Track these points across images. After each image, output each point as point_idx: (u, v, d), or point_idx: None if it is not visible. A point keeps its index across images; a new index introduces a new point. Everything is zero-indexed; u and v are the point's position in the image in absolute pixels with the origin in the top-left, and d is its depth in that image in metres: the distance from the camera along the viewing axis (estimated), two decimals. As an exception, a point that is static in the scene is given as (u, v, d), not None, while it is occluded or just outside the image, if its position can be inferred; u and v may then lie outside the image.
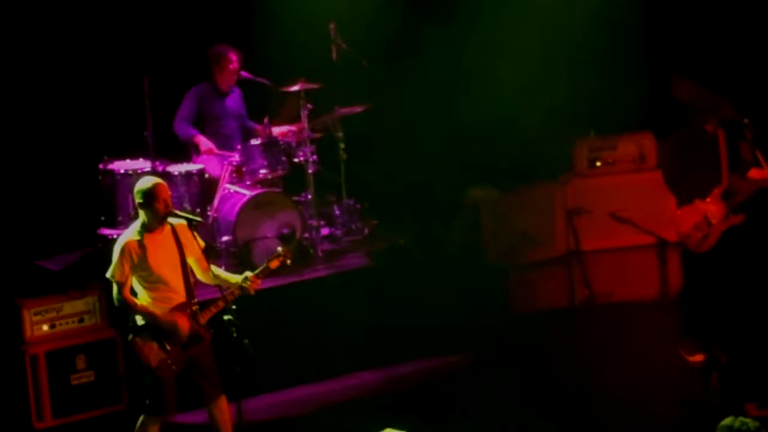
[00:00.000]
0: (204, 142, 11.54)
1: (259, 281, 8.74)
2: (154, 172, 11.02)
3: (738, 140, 10.08)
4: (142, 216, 8.61)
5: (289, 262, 8.92)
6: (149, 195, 8.53)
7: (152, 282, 8.55)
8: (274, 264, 8.85)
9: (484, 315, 11.14)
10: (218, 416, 8.69)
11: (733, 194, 10.00)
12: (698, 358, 10.09)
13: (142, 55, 11.75)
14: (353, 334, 10.85)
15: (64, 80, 11.88)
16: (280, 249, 8.94)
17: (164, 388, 8.55)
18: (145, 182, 8.64)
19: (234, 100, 11.83)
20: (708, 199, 10.01)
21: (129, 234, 8.61)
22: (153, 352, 8.51)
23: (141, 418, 8.66)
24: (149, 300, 8.56)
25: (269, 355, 10.38)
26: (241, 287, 8.68)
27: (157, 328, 8.51)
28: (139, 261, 8.51)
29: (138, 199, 8.60)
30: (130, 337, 8.57)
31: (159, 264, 8.55)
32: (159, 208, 8.52)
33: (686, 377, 9.92)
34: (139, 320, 8.57)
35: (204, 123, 11.68)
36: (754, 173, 10.01)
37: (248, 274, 8.75)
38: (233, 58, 11.65)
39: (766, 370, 9.37)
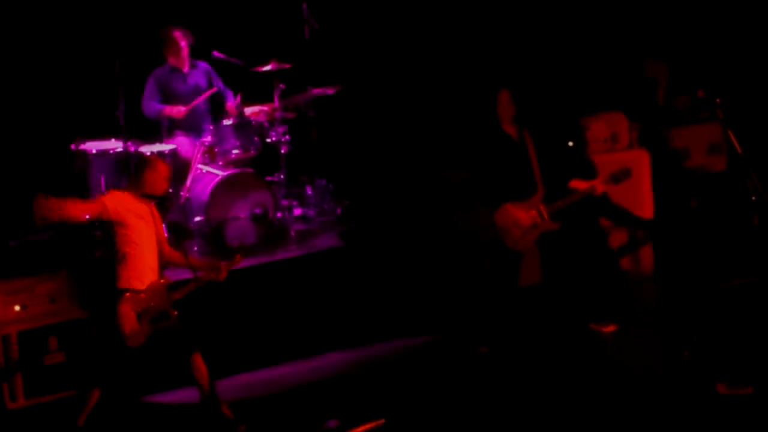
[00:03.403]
0: (175, 110, 11.48)
1: (226, 272, 9.15)
2: (126, 153, 11.01)
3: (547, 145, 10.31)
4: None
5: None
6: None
7: (132, 254, 8.92)
8: (238, 259, 9.26)
9: (458, 295, 11.16)
10: (195, 372, 9.06)
11: (556, 199, 10.14)
12: (611, 328, 10.31)
13: (113, 35, 11.70)
14: (325, 314, 10.86)
15: (35, 61, 11.82)
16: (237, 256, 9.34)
17: (118, 360, 8.96)
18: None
19: (197, 78, 11.73)
20: (523, 204, 10.11)
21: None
22: (129, 321, 8.85)
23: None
24: (128, 274, 8.91)
25: (241, 335, 10.43)
26: (211, 272, 9.10)
27: (138, 299, 8.84)
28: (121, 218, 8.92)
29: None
30: (116, 301, 8.89)
31: (141, 234, 8.94)
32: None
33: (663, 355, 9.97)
34: (124, 286, 8.90)
35: (171, 103, 11.63)
36: (576, 183, 10.15)
37: (221, 263, 9.13)
38: (179, 38, 11.56)
39: (737, 349, 9.43)
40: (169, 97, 11.63)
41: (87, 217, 8.92)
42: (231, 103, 11.70)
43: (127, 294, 8.91)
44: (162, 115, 11.54)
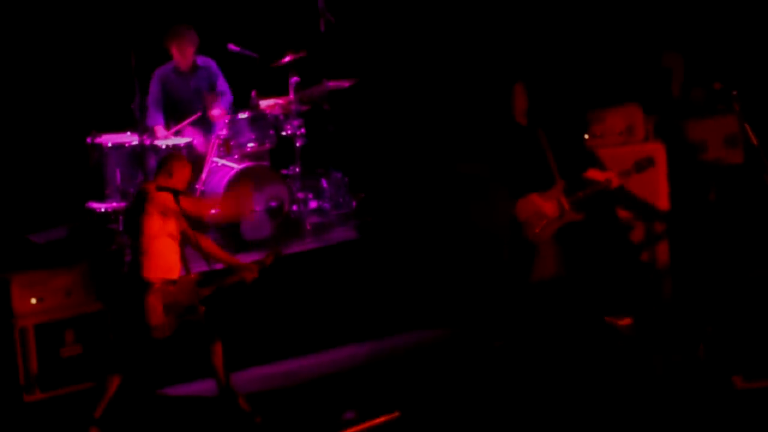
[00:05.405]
0: (161, 134, 11.41)
1: (257, 274, 9.27)
2: (141, 146, 11.02)
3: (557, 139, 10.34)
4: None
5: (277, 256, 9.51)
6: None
7: (157, 245, 9.02)
8: (269, 260, 9.33)
9: (473, 287, 11.15)
10: (212, 359, 9.16)
11: (575, 190, 10.13)
12: (626, 321, 10.28)
13: (129, 27, 11.70)
14: (341, 307, 10.86)
15: (52, 53, 11.84)
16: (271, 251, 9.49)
17: (138, 351, 9.07)
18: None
19: (198, 81, 11.66)
20: (545, 194, 10.11)
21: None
22: (156, 314, 8.92)
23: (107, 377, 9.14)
24: (153, 265, 8.98)
25: (257, 328, 10.44)
26: (243, 272, 9.22)
27: (167, 293, 8.92)
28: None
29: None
30: (143, 294, 8.96)
31: (165, 226, 9.04)
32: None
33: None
34: (150, 276, 8.96)
35: (173, 106, 11.59)
36: (592, 174, 10.16)
37: (249, 265, 9.26)
38: (184, 37, 11.50)
39: (754, 341, 9.41)
40: (171, 99, 11.58)
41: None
42: (217, 110, 11.58)
43: (156, 286, 8.96)
44: (152, 130, 11.44)
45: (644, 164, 10.24)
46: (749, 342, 9.42)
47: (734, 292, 10.58)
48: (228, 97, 11.68)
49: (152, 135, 11.34)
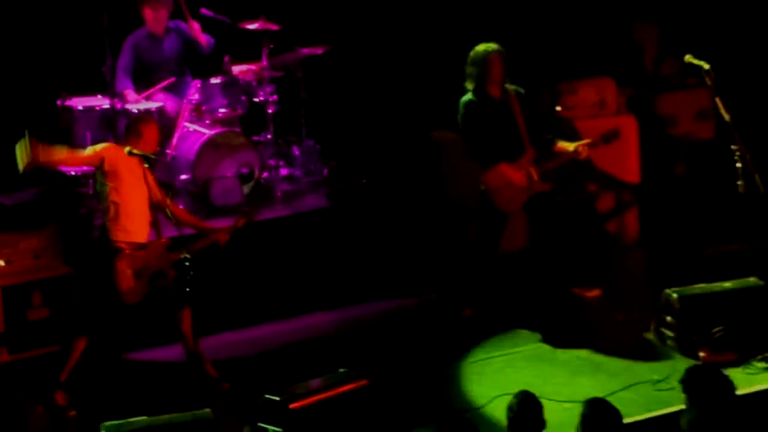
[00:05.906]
0: (131, 97, 11.33)
1: (228, 236, 9.35)
2: (112, 110, 10.96)
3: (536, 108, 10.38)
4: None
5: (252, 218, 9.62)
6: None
7: (124, 208, 9.03)
8: (241, 223, 9.43)
9: (444, 257, 11.17)
10: (180, 325, 9.18)
11: (544, 161, 10.17)
12: (595, 293, 10.25)
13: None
14: (311, 274, 10.86)
15: (22, 14, 11.73)
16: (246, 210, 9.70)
17: (107, 316, 9.09)
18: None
19: (172, 44, 11.58)
20: (515, 164, 10.13)
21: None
22: (126, 279, 8.94)
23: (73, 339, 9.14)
24: (121, 227, 9.01)
25: (226, 294, 10.43)
26: (215, 236, 9.29)
27: (137, 258, 8.95)
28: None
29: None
30: (112, 258, 9.00)
31: (132, 189, 9.07)
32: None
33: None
34: (118, 238, 9.02)
35: (147, 71, 11.48)
36: (561, 145, 10.20)
37: (222, 228, 9.38)
38: (153, 9, 11.39)
39: (719, 316, 9.46)
40: (144, 64, 11.48)
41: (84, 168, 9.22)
42: (203, 37, 11.46)
43: (126, 251, 8.93)
44: (121, 93, 11.33)
45: (611, 136, 10.28)
46: (715, 315, 9.48)
47: (702, 266, 10.64)
48: (205, 40, 11.55)
49: (123, 99, 11.26)
